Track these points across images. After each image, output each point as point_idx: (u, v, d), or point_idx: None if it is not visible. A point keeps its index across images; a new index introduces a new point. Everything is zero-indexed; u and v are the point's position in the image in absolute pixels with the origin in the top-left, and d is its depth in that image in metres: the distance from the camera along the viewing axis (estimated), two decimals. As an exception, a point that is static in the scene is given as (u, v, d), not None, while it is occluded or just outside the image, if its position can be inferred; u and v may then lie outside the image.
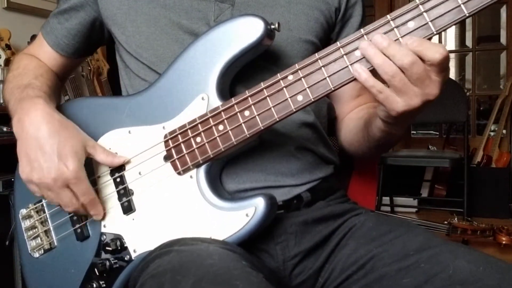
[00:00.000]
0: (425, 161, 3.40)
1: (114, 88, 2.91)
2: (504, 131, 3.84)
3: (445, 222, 2.64)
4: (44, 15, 2.74)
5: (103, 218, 0.86)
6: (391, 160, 3.13)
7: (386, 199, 3.52)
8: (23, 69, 0.97)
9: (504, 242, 2.61)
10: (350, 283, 0.81)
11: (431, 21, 0.68)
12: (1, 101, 2.22)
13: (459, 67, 4.74)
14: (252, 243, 0.79)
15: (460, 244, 0.81)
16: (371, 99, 1.00)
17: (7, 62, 2.34)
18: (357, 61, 0.72)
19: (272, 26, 0.79)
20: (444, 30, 0.69)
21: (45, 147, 0.79)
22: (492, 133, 3.87)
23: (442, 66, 0.68)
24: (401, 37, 0.69)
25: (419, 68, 0.67)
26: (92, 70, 2.88)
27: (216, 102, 0.80)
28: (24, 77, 0.93)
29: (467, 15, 0.67)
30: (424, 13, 0.68)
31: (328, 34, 0.96)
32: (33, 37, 2.48)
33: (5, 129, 1.90)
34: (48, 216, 0.93)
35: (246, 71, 0.85)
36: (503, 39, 4.19)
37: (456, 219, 2.67)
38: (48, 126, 0.81)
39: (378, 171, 3.16)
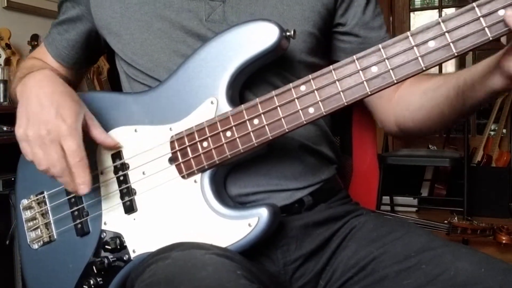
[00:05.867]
0: (425, 160, 3.39)
1: (114, 87, 2.90)
2: (504, 131, 3.84)
3: (445, 221, 2.64)
4: (44, 15, 2.73)
5: (105, 215, 0.86)
6: (391, 160, 3.13)
7: (386, 199, 3.51)
8: (31, 64, 0.98)
9: (504, 242, 2.62)
10: (351, 285, 0.80)
11: (452, 42, 0.66)
12: (1, 100, 2.22)
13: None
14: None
15: (461, 245, 0.80)
16: None
17: (7, 62, 2.33)
18: (372, 78, 0.69)
19: (288, 33, 0.77)
20: (467, 53, 0.67)
21: (45, 102, 0.79)
22: (492, 133, 3.86)
23: None
24: (420, 56, 0.67)
25: None
26: (92, 70, 2.87)
27: (225, 107, 0.79)
28: (33, 68, 0.94)
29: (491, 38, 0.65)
30: (446, 34, 0.66)
31: (329, 21, 0.92)
32: (33, 37, 2.48)
33: (5, 128, 1.89)
34: (49, 209, 0.93)
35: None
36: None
37: (456, 218, 2.67)
38: (53, 87, 0.81)
39: (379, 170, 3.15)
